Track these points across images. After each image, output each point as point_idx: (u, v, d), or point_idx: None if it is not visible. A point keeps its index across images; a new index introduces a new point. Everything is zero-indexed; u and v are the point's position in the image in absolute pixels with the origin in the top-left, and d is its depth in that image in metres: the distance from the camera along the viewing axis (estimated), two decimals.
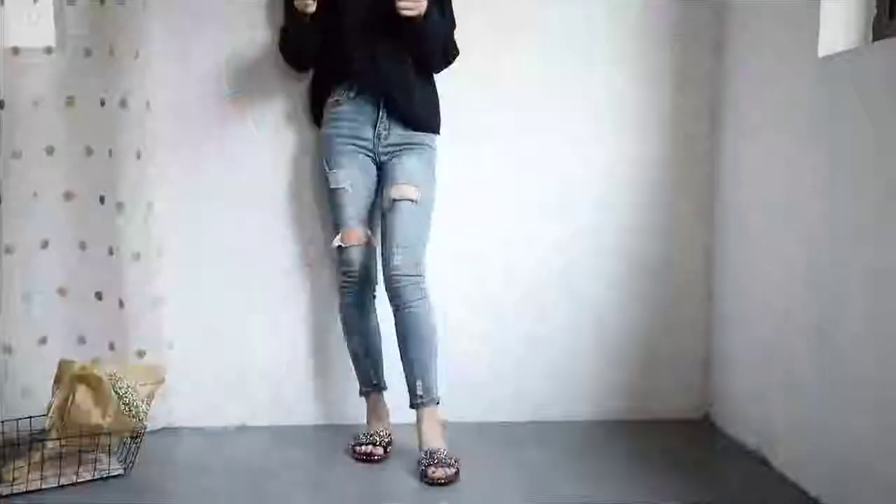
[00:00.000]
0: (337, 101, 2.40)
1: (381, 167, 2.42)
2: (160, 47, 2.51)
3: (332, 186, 2.41)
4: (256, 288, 2.64)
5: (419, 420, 2.34)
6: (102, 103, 2.46)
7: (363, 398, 2.50)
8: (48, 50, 2.45)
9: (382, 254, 2.35)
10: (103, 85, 2.46)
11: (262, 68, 2.57)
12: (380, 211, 2.42)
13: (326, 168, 2.41)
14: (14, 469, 2.15)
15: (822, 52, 2.10)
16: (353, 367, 2.50)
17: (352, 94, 2.38)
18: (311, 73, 2.52)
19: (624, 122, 2.67)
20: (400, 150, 2.39)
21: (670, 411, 2.71)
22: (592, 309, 2.70)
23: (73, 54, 2.45)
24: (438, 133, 2.47)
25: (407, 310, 2.30)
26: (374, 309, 2.47)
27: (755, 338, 2.42)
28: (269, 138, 2.60)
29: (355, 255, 2.39)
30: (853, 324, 1.95)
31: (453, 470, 2.21)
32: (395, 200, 2.34)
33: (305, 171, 2.61)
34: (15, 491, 2.10)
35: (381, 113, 2.38)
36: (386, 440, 2.41)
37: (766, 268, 2.36)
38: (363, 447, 2.37)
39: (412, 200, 2.34)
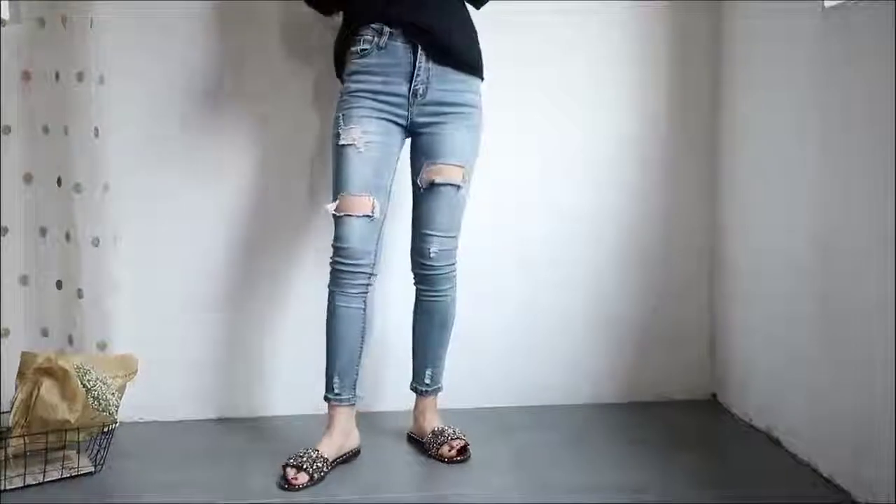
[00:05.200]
0: (364, 50, 2.04)
1: (415, 134, 2.11)
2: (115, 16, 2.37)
3: (341, 143, 2.04)
4: (230, 271, 2.51)
5: (419, 405, 2.27)
6: (57, 77, 2.32)
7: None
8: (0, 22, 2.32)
9: (414, 238, 2.16)
10: (58, 58, 2.31)
11: (233, 37, 2.44)
12: (412, 187, 2.16)
13: (340, 125, 2.04)
14: None
15: (828, 3, 1.98)
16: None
17: (382, 41, 2.03)
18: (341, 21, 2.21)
19: (622, 88, 2.55)
20: (442, 115, 2.07)
21: (675, 392, 2.62)
22: (592, 287, 2.59)
23: (27, 25, 2.31)
24: (483, 78, 2.15)
25: (435, 299, 2.19)
26: (367, 300, 2.11)
27: (762, 313, 2.32)
28: (242, 109, 2.46)
29: (351, 229, 2.04)
30: (864, 295, 1.84)
31: (465, 445, 2.16)
32: (436, 184, 2.09)
33: (283, 144, 2.48)
34: None
35: (418, 62, 2.03)
36: (319, 465, 2.02)
37: (773, 238, 2.26)
38: (287, 469, 2.01)
39: (457, 186, 2.11)
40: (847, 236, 1.91)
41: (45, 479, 2.05)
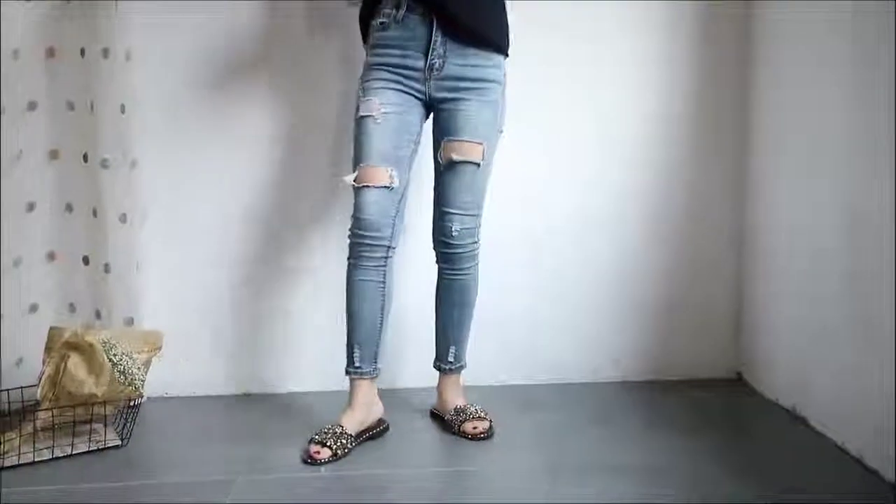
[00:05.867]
0: (383, 23, 2.05)
1: (435, 110, 2.10)
2: None
3: (359, 114, 2.06)
4: (257, 248, 2.51)
5: (442, 382, 2.27)
6: (83, 53, 2.33)
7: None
8: None
9: (435, 216, 2.16)
10: (83, 35, 2.32)
11: (261, 14, 2.43)
12: (434, 163, 2.15)
13: (360, 97, 2.07)
14: (5, 442, 2.05)
15: None
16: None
17: (400, 15, 2.03)
18: None
19: (650, 73, 2.51)
20: (460, 91, 2.05)
21: (700, 370, 2.58)
22: (616, 265, 2.56)
23: (52, 1, 2.32)
24: (507, 54, 2.11)
25: (457, 277, 2.18)
26: (386, 272, 2.10)
27: (789, 290, 2.28)
28: (269, 86, 2.46)
29: (367, 199, 2.03)
30: (891, 272, 1.80)
31: (488, 423, 2.16)
32: (455, 162, 2.07)
33: (310, 122, 2.47)
34: (6, 464, 2.01)
35: (434, 36, 2.01)
36: (343, 441, 2.04)
37: (800, 215, 2.22)
38: (311, 445, 2.03)
39: (476, 164, 2.09)
40: (875, 213, 1.86)
41: (73, 452, 2.08)
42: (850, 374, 1.98)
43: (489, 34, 2.06)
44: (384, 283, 2.09)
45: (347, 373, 2.14)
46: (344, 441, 2.04)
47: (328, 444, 2.02)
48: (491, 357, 2.52)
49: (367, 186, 2.03)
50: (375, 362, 2.13)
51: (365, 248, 2.06)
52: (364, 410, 2.13)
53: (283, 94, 2.46)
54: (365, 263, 2.07)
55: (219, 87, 2.45)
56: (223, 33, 2.43)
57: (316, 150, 2.49)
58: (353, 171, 2.06)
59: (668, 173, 2.54)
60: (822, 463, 1.97)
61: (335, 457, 2.02)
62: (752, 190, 2.51)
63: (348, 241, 2.10)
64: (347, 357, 2.13)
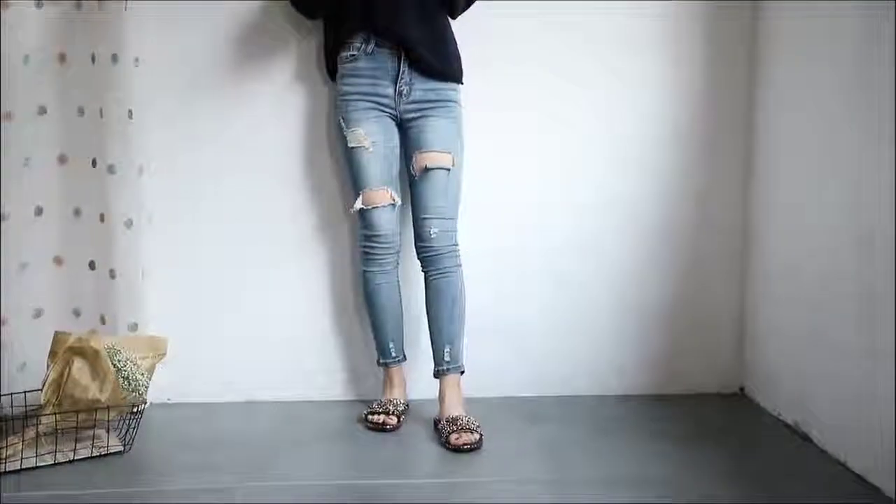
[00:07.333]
0: (353, 55, 2.26)
1: (403, 128, 2.30)
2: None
3: (350, 145, 2.28)
4: (262, 255, 2.52)
5: (441, 388, 2.29)
6: (93, 59, 2.34)
7: (380, 368, 2.42)
8: (38, 4, 2.33)
9: (415, 224, 2.29)
10: (93, 40, 2.33)
11: (267, 21, 2.44)
12: (408, 176, 2.31)
13: (343, 127, 2.29)
14: (7, 446, 2.05)
15: None
16: (372, 337, 2.40)
17: (370, 48, 2.23)
18: (323, 24, 2.35)
19: (654, 75, 2.51)
20: (425, 110, 2.26)
21: (703, 385, 2.59)
22: (619, 277, 2.56)
23: (64, 7, 2.33)
24: (462, 82, 2.32)
25: (442, 277, 2.28)
26: (398, 276, 2.37)
27: (794, 305, 2.28)
28: (275, 93, 2.47)
29: (379, 218, 2.28)
30: None
31: (476, 436, 2.15)
32: (428, 169, 2.24)
33: (314, 129, 2.49)
34: (8, 469, 2.01)
35: (402, 67, 2.24)
36: (400, 409, 2.33)
37: (808, 226, 2.21)
38: (376, 416, 2.29)
39: (447, 169, 2.25)
40: (885, 217, 1.85)
41: (76, 458, 2.08)
42: (854, 391, 1.98)
43: (450, 70, 2.28)
44: (398, 281, 2.37)
45: (386, 364, 2.39)
46: (401, 409, 2.33)
47: (391, 412, 2.29)
48: (495, 369, 2.52)
49: (376, 207, 2.26)
50: (403, 349, 2.40)
51: (382, 258, 2.31)
52: (402, 388, 2.40)
53: (291, 100, 2.48)
54: (383, 269, 2.33)
55: (225, 93, 2.46)
56: (230, 40, 2.44)
57: (321, 157, 2.50)
58: (356, 196, 2.28)
59: (672, 181, 2.53)
60: (823, 479, 1.96)
61: (399, 423, 2.28)
62: (756, 195, 2.50)
63: (363, 254, 2.32)
64: (382, 351, 2.39)
